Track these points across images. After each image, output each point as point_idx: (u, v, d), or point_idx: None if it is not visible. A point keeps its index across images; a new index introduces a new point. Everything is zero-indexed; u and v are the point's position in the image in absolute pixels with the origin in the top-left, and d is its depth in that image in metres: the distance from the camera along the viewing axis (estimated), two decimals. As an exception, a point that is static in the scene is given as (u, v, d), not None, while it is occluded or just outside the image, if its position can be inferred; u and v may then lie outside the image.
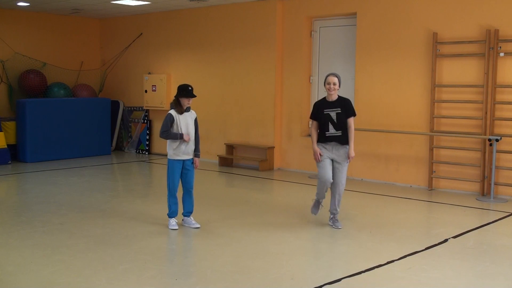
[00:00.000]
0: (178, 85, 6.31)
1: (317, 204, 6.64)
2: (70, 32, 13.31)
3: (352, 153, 6.28)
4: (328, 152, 6.31)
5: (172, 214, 6.37)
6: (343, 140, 6.26)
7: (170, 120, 6.21)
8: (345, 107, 6.27)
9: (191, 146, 6.31)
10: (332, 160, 6.33)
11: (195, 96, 6.25)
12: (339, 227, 6.38)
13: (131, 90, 13.35)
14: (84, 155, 12.21)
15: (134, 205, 7.57)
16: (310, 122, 6.53)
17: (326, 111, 6.27)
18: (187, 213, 6.44)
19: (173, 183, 6.30)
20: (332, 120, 6.23)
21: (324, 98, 6.38)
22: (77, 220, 6.69)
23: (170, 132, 6.21)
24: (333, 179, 6.31)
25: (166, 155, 6.43)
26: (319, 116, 6.33)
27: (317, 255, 5.66)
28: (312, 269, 5.14)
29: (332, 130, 6.25)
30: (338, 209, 6.45)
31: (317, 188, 6.47)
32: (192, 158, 6.36)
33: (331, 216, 6.49)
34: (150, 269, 4.96)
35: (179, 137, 6.19)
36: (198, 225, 6.39)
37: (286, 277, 4.82)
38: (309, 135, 10.43)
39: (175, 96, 6.28)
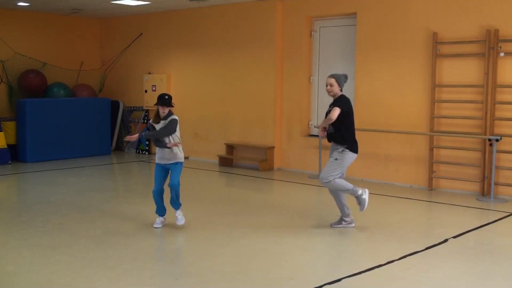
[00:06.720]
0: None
1: (358, 200, 6.40)
2: (70, 32, 13.31)
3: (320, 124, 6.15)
4: (330, 151, 6.38)
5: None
6: (335, 138, 6.23)
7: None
8: (334, 104, 6.25)
9: (168, 152, 6.14)
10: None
11: (172, 106, 6.12)
12: (333, 226, 6.40)
13: (131, 90, 13.35)
14: (84, 155, 12.21)
15: (134, 205, 7.57)
16: None
17: (327, 111, 6.37)
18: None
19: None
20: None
21: None
22: (77, 220, 6.69)
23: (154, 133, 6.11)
24: None
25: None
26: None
27: (317, 255, 5.66)
28: (312, 269, 5.14)
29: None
30: (341, 208, 6.39)
31: None
32: (172, 163, 6.19)
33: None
34: (150, 269, 4.96)
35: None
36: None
37: (286, 277, 4.82)
38: (308, 135, 10.53)
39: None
